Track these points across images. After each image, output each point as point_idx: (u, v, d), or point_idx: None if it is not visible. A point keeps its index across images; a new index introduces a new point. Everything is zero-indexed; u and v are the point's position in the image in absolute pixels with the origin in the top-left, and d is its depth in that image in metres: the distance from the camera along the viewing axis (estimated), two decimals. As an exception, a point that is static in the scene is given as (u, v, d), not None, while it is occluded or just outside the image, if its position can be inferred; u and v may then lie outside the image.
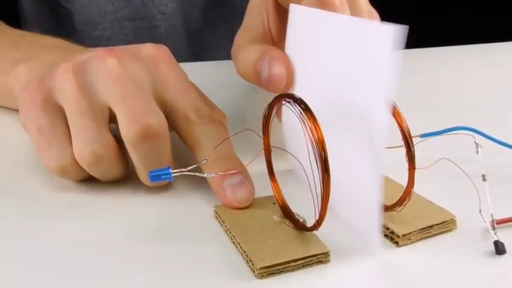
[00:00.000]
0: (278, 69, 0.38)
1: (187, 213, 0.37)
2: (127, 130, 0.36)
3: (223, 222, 0.35)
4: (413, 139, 0.39)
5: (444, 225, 0.35)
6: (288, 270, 0.31)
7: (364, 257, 0.32)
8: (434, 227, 0.34)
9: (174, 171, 0.33)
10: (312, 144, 0.30)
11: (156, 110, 0.37)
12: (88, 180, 0.40)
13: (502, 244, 0.33)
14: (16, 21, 0.73)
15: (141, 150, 0.36)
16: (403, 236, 0.33)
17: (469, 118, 0.48)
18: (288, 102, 0.32)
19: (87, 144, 0.37)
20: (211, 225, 0.36)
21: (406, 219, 0.34)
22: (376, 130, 0.30)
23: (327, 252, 0.32)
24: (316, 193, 0.31)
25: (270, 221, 0.35)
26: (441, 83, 0.65)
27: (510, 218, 0.35)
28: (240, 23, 0.46)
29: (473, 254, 0.33)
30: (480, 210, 0.34)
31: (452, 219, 0.35)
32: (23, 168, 0.43)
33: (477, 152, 0.37)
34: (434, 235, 0.34)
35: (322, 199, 0.30)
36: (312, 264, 0.32)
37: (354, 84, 0.32)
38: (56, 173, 0.38)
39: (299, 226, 0.34)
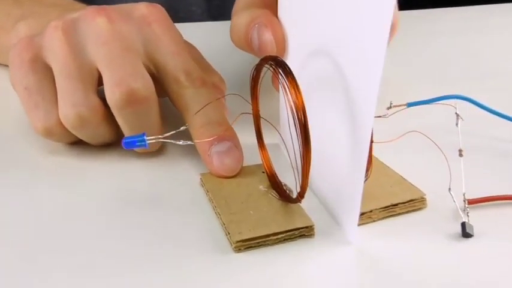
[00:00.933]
0: (267, 36, 0.35)
1: (176, 180, 0.36)
2: (111, 94, 0.34)
3: (207, 191, 0.34)
4: (399, 107, 0.37)
5: (411, 204, 0.32)
6: (268, 244, 0.30)
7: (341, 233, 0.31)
8: (399, 205, 0.32)
9: (149, 138, 0.31)
10: (292, 111, 0.28)
11: (142, 73, 0.35)
12: (79, 144, 0.39)
13: (470, 226, 0.30)
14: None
15: (126, 115, 0.35)
16: (363, 214, 0.31)
17: (474, 85, 0.45)
18: (271, 65, 0.30)
19: (72, 106, 0.35)
20: (197, 193, 0.35)
21: (371, 196, 0.32)
22: (364, 100, 0.27)
23: (311, 226, 0.30)
24: (296, 164, 0.29)
25: (255, 191, 0.33)
26: (460, 45, 0.61)
27: (483, 198, 0.32)
28: None
29: (438, 236, 0.30)
30: (449, 189, 0.32)
31: (421, 198, 0.32)
32: (16, 129, 0.42)
33: (456, 124, 0.34)
34: (399, 214, 0.32)
35: (303, 169, 0.28)
36: (294, 238, 0.30)
37: (345, 48, 0.29)
38: (42, 135, 0.37)
39: (284, 197, 0.32)
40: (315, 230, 0.30)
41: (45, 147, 0.40)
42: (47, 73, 0.37)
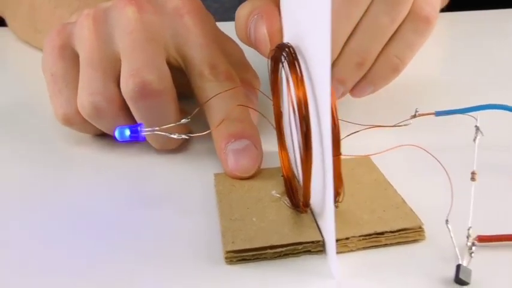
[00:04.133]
0: (261, 30, 0.32)
1: (192, 179, 0.33)
2: (125, 85, 0.33)
3: (217, 193, 0.30)
4: (427, 116, 0.32)
5: (403, 235, 0.26)
6: (265, 258, 0.26)
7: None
8: (386, 234, 0.26)
9: (145, 129, 0.29)
10: (292, 107, 0.24)
11: (160, 65, 0.33)
12: (105, 136, 0.37)
13: (467, 271, 0.24)
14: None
15: (140, 107, 0.33)
16: (338, 240, 0.25)
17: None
18: (282, 54, 0.26)
19: (89, 95, 0.34)
20: (209, 195, 0.31)
21: (354, 220, 0.27)
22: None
23: (318, 241, 0.26)
24: (297, 169, 0.25)
25: (267, 197, 0.30)
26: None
27: (495, 236, 0.25)
28: None
29: (428, 279, 0.24)
30: (447, 221, 0.25)
31: (418, 228, 0.26)
32: (47, 118, 0.41)
33: (474, 140, 0.28)
34: (386, 245, 0.26)
35: (303, 174, 0.24)
36: (297, 253, 0.26)
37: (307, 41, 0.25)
38: (61, 123, 0.36)
39: (295, 205, 0.28)
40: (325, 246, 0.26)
41: (72, 138, 0.38)
42: (74, 61, 0.36)
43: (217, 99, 0.33)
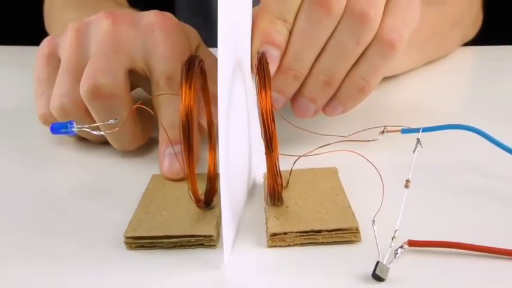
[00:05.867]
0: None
1: (138, 177, 0.36)
2: (81, 86, 0.37)
3: (146, 190, 0.34)
4: (393, 132, 0.33)
5: (340, 234, 0.29)
6: (161, 247, 0.29)
7: (253, 251, 0.29)
8: (323, 232, 0.28)
9: (77, 126, 0.33)
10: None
11: (115, 71, 0.37)
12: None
13: (385, 269, 0.26)
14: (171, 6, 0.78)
15: (94, 107, 0.37)
16: (273, 235, 0.28)
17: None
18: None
19: (58, 97, 0.38)
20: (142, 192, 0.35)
21: (296, 218, 0.29)
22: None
23: (210, 236, 0.29)
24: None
25: (186, 196, 0.32)
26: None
27: (424, 241, 0.28)
28: None
29: (348, 274, 0.26)
30: (373, 221, 0.27)
31: (354, 229, 0.29)
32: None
33: (413, 151, 0.30)
34: (323, 243, 0.29)
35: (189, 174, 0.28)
36: (191, 245, 0.29)
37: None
38: (41, 122, 0.40)
39: (198, 205, 0.31)
40: (218, 242, 0.29)
41: (57, 138, 0.42)
42: (57, 67, 0.40)
43: (166, 107, 0.37)
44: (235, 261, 0.28)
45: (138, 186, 0.35)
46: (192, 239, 0.29)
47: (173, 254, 0.29)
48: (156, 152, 0.39)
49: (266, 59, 0.30)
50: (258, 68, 0.29)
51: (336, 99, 0.38)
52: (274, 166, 0.29)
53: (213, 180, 0.31)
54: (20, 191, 0.36)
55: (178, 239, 0.29)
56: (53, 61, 0.41)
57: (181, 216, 0.30)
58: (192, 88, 0.28)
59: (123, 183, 0.37)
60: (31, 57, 0.43)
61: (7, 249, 0.30)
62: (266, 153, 0.29)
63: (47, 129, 0.39)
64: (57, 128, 0.33)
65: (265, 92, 0.28)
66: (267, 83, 0.28)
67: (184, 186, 0.33)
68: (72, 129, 0.33)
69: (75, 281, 0.27)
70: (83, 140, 0.42)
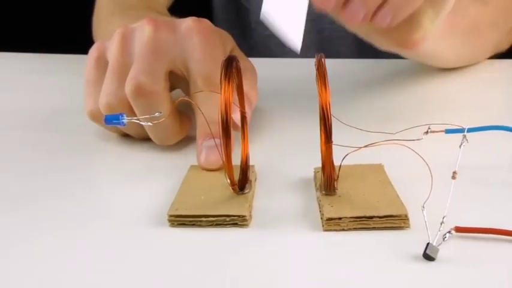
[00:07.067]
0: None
1: (177, 168, 0.37)
2: (126, 85, 0.39)
3: (185, 177, 0.35)
4: (437, 134, 0.33)
5: (390, 220, 0.29)
6: (200, 225, 0.30)
7: (288, 233, 0.30)
8: (374, 218, 0.29)
9: (127, 117, 0.34)
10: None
11: (156, 72, 0.39)
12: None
13: (435, 249, 0.26)
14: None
15: (137, 104, 0.39)
16: (329, 219, 0.29)
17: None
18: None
19: (105, 96, 0.40)
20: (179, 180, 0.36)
21: (349, 205, 0.30)
22: None
23: (243, 216, 0.30)
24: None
25: (221, 183, 0.33)
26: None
27: (471, 228, 0.28)
28: None
29: (401, 256, 0.27)
30: (423, 207, 0.28)
31: (404, 216, 0.29)
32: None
33: (460, 146, 0.30)
34: (375, 228, 0.29)
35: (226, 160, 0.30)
36: (226, 224, 0.30)
37: None
38: (89, 119, 0.42)
39: (233, 188, 0.32)
40: (251, 221, 0.30)
41: (105, 134, 0.44)
42: (105, 69, 0.42)
43: (204, 104, 0.38)
44: (292, 243, 0.29)
45: (176, 175, 0.36)
46: (227, 219, 0.30)
47: (214, 231, 0.30)
48: (192, 147, 0.41)
49: (323, 58, 0.31)
50: (317, 66, 0.31)
51: (385, 7, 0.37)
52: (331, 156, 0.30)
53: (245, 170, 0.33)
54: (65, 176, 0.38)
55: (215, 218, 0.30)
56: (101, 64, 0.43)
57: (217, 199, 0.32)
58: (231, 83, 0.30)
59: (163, 172, 0.38)
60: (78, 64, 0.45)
61: (60, 223, 0.32)
62: (325, 144, 0.30)
63: (94, 127, 0.43)
64: (110, 119, 0.35)
65: (325, 88, 0.30)
66: (326, 80, 0.30)
67: (219, 175, 0.35)
68: (123, 120, 0.35)
69: (127, 250, 0.29)
70: (125, 136, 0.43)
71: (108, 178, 0.39)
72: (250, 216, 0.31)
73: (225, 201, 0.31)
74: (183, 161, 0.38)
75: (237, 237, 0.29)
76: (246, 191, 0.32)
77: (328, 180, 0.31)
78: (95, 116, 0.41)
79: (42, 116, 0.50)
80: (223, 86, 0.31)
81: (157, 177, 0.37)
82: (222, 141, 0.31)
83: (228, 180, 0.32)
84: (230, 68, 0.31)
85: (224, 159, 0.31)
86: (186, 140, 0.42)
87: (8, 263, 0.28)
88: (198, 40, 0.41)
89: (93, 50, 0.43)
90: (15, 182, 0.38)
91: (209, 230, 0.30)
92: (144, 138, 0.42)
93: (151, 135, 0.41)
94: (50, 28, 0.92)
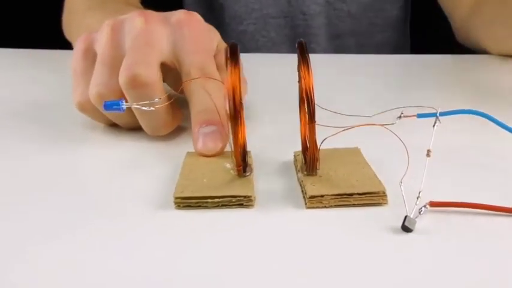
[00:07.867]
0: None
1: (172, 155, 0.40)
2: (120, 77, 0.40)
3: (183, 163, 0.37)
4: (409, 117, 0.36)
5: (369, 197, 0.32)
6: (206, 206, 0.32)
7: (292, 212, 0.32)
8: (354, 195, 0.32)
9: (125, 103, 0.36)
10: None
11: (150, 63, 0.40)
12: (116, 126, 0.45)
13: (412, 221, 0.30)
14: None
15: (131, 95, 0.40)
16: (312, 197, 0.32)
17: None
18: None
19: (96, 86, 0.41)
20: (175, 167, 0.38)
21: (330, 183, 0.33)
22: None
23: (249, 196, 0.32)
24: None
25: (221, 168, 0.36)
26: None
27: (445, 202, 0.32)
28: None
29: (379, 229, 0.30)
30: (401, 183, 0.31)
31: (382, 192, 0.32)
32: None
33: (433, 126, 0.33)
34: (354, 205, 0.32)
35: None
36: (231, 205, 0.32)
37: None
38: (78, 109, 0.43)
39: (238, 170, 0.34)
40: (256, 202, 0.33)
41: (90, 124, 0.46)
42: (93, 61, 0.43)
43: (198, 93, 0.40)
44: (276, 221, 0.31)
45: (169, 164, 0.38)
46: (233, 199, 0.32)
47: (220, 212, 0.32)
48: (182, 137, 0.43)
49: (305, 42, 0.34)
50: (299, 48, 0.33)
51: None
52: (315, 135, 0.33)
53: (243, 155, 0.34)
54: (63, 165, 0.39)
55: (221, 199, 0.32)
56: (89, 55, 0.44)
57: (220, 181, 0.34)
58: (237, 67, 0.32)
59: (156, 161, 0.40)
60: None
61: (68, 208, 0.33)
62: (308, 124, 0.32)
63: (82, 118, 0.44)
64: (110, 105, 0.36)
65: (308, 71, 0.32)
66: (308, 62, 0.32)
67: (217, 160, 0.37)
68: (123, 106, 0.36)
69: (133, 230, 0.31)
70: (113, 125, 0.45)
71: (103, 166, 0.39)
72: (255, 197, 0.33)
73: (228, 184, 0.33)
74: (174, 150, 0.40)
75: (237, 216, 0.31)
76: (247, 174, 0.34)
77: (311, 159, 0.34)
78: (83, 107, 0.43)
79: (24, 109, 0.51)
80: (229, 70, 0.32)
81: (150, 165, 0.39)
82: (230, 121, 0.33)
83: (234, 162, 0.34)
84: (235, 52, 0.33)
85: (232, 141, 0.33)
86: (177, 131, 0.44)
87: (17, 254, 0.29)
88: (189, 32, 0.43)
89: (80, 42, 0.44)
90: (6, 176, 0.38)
91: (212, 211, 0.32)
92: (131, 128, 0.44)
93: (143, 125, 0.42)
94: (20, 24, 0.93)
